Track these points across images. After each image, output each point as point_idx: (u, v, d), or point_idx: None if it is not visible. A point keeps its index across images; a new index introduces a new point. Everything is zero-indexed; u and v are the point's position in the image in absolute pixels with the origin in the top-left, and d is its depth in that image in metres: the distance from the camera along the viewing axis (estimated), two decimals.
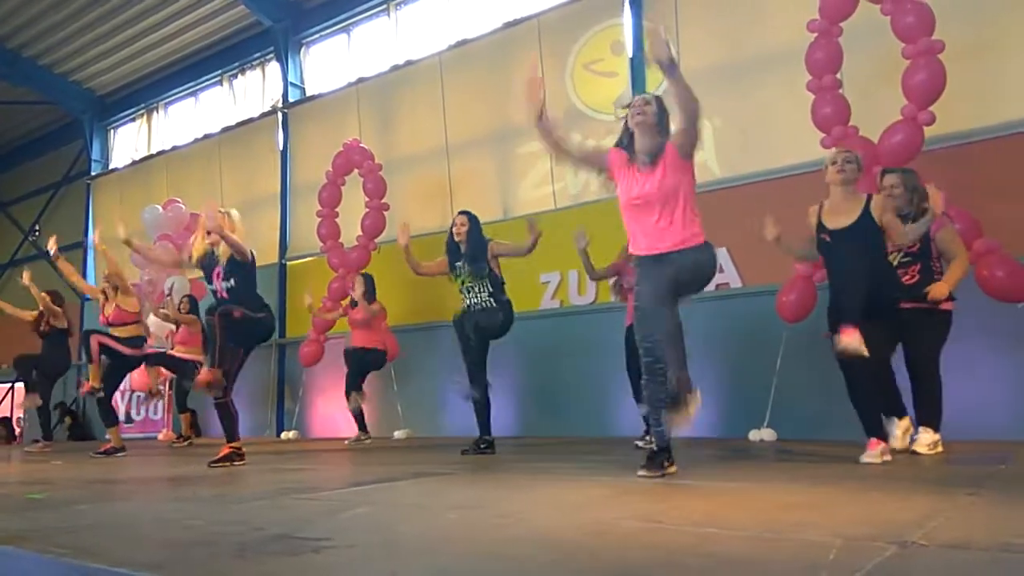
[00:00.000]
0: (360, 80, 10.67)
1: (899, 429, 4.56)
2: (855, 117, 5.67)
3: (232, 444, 4.86)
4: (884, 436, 4.00)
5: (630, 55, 8.15)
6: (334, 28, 11.40)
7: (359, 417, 7.56)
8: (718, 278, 7.23)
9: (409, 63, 10.18)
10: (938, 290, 4.26)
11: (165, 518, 2.61)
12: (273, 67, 12.06)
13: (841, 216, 4.03)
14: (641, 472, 3.32)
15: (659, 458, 3.36)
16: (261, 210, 11.46)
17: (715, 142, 7.56)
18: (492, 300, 5.47)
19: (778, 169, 7.05)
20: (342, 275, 8.57)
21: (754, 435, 5.88)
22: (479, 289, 5.47)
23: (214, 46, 12.59)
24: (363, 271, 8.01)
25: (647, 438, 5.41)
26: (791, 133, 7.05)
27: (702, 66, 7.66)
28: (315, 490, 3.28)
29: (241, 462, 4.81)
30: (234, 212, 5.10)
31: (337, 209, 8.90)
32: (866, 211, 3.96)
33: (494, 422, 5.55)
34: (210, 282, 4.99)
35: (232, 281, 4.88)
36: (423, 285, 8.99)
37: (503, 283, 5.61)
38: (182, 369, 8.53)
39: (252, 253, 5.00)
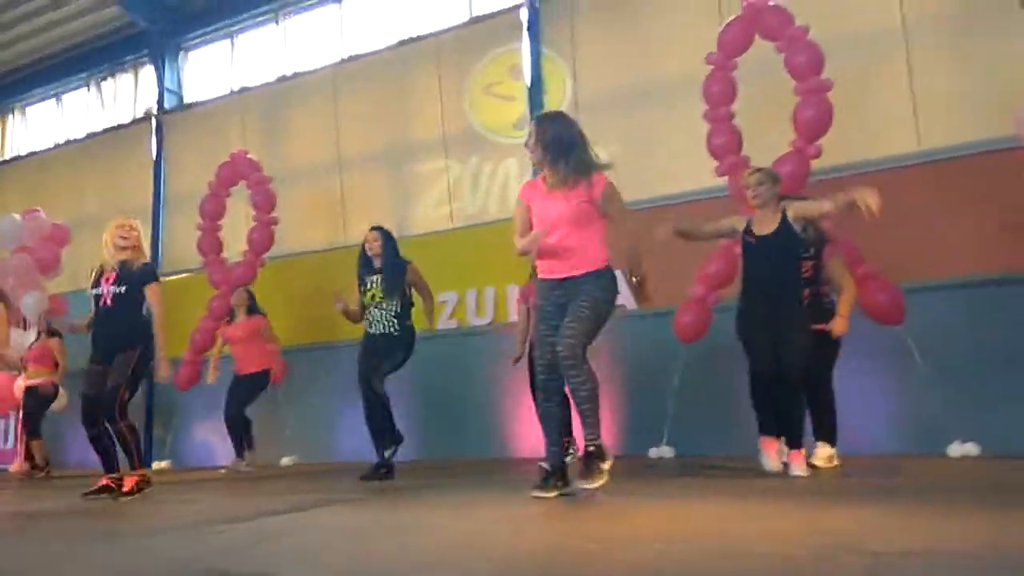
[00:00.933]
0: (244, 89, 10.24)
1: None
2: (747, 147, 5.95)
3: (139, 472, 4.51)
4: (777, 434, 4.20)
5: (528, 80, 8.24)
6: (216, 34, 10.89)
7: (239, 441, 7.12)
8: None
9: (299, 75, 9.87)
10: (839, 326, 4.53)
11: (95, 561, 2.30)
12: (147, 71, 11.35)
13: (765, 225, 4.23)
14: (535, 492, 3.31)
15: (553, 479, 3.38)
16: None
17: (615, 168, 7.71)
18: (396, 323, 5.30)
19: (676, 195, 7.28)
20: (224, 292, 8.11)
21: (654, 452, 6.00)
22: (387, 307, 5.29)
23: (81, 46, 11.70)
24: (242, 287, 7.61)
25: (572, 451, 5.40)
26: (687, 159, 7.33)
27: (598, 90, 7.89)
28: (231, 520, 3.03)
29: (149, 487, 4.50)
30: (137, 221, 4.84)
31: (220, 222, 8.44)
32: (784, 220, 4.15)
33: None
34: (97, 286, 4.60)
35: (124, 288, 4.51)
36: (310, 303, 8.70)
37: (411, 306, 5.46)
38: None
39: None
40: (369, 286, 5.36)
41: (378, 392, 5.17)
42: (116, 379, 4.40)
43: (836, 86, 5.53)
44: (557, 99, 8.08)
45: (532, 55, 8.23)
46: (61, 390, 8.49)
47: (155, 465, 8.69)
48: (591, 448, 3.29)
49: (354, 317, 5.51)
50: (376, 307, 5.31)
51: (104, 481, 4.51)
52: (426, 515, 3.02)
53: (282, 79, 10.01)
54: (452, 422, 8.03)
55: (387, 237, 5.46)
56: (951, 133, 6.21)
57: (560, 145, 3.45)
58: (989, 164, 5.95)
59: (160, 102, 10.80)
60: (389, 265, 5.31)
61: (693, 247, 6.02)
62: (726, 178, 6.03)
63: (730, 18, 6.10)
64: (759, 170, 4.37)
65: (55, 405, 8.46)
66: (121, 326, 4.53)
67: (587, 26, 8.03)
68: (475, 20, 8.78)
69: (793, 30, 5.59)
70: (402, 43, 9.18)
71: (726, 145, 5.83)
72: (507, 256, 7.90)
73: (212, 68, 10.96)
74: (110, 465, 4.56)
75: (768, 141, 5.91)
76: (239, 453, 7.09)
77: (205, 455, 9.03)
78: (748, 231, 4.29)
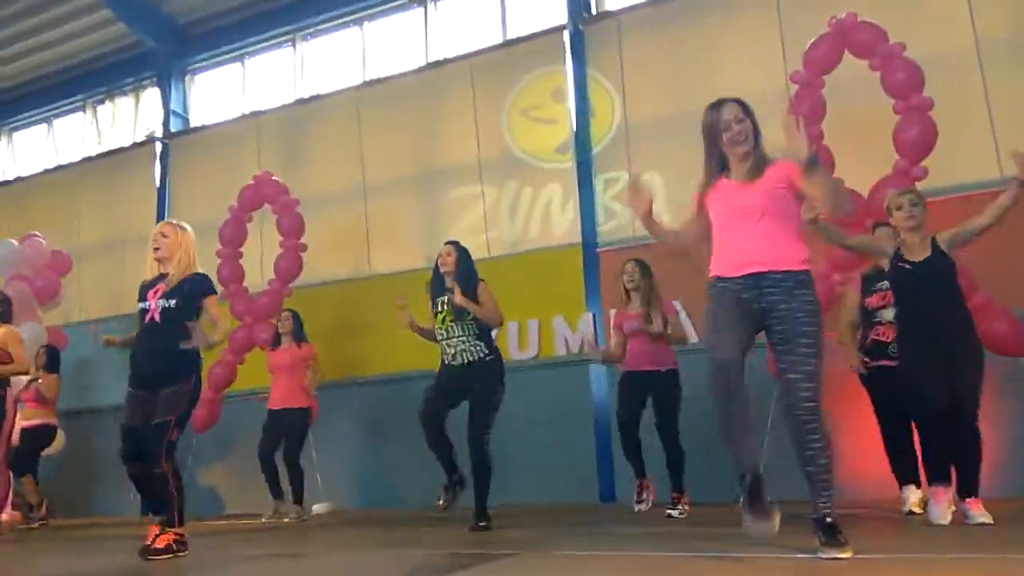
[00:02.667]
0: (259, 112, 9.74)
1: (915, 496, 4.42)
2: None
3: (177, 531, 3.79)
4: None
5: (572, 103, 7.89)
6: (226, 56, 10.41)
7: (275, 484, 6.49)
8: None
9: (319, 97, 9.42)
10: None
11: None
12: (149, 94, 10.81)
13: (916, 251, 3.87)
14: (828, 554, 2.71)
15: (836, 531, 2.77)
16: (130, 251, 10.06)
17: (666, 196, 7.37)
18: (483, 347, 4.74)
19: None
20: (249, 324, 7.51)
21: None
22: (462, 331, 4.71)
23: (76, 68, 11.11)
24: (287, 309, 7.02)
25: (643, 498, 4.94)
26: None
27: (649, 115, 7.57)
28: None
29: (184, 552, 3.78)
30: (187, 226, 4.20)
31: (241, 249, 7.88)
32: (936, 247, 3.81)
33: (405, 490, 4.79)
34: (143, 299, 4.01)
35: (174, 301, 3.91)
36: (334, 336, 8.16)
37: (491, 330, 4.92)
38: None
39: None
40: (440, 308, 4.81)
41: (485, 450, 4.62)
42: (164, 414, 3.77)
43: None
44: (606, 123, 7.74)
45: (577, 78, 7.90)
46: (59, 432, 7.77)
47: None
48: (831, 519, 2.77)
49: (428, 335, 4.93)
50: (448, 332, 4.74)
51: (167, 538, 3.84)
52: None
53: (300, 102, 9.55)
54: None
55: (462, 252, 4.91)
56: None
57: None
58: None
59: (165, 125, 10.24)
60: (462, 280, 4.75)
61: None
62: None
63: (812, 38, 5.82)
64: (911, 191, 4.03)
65: (51, 448, 7.73)
66: (170, 347, 3.86)
67: (635, 48, 7.72)
68: (511, 42, 8.44)
69: (888, 47, 5.32)
70: (431, 65, 8.80)
71: None
72: (551, 286, 7.66)
73: (221, 91, 10.46)
74: (174, 516, 3.92)
75: (855, 163, 5.61)
76: (277, 495, 6.46)
77: (213, 503, 8.31)
78: (899, 258, 3.92)
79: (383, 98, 8.98)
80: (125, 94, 11.04)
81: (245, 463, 7.99)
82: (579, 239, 7.60)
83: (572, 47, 7.97)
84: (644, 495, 5.06)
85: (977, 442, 3.73)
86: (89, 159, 10.85)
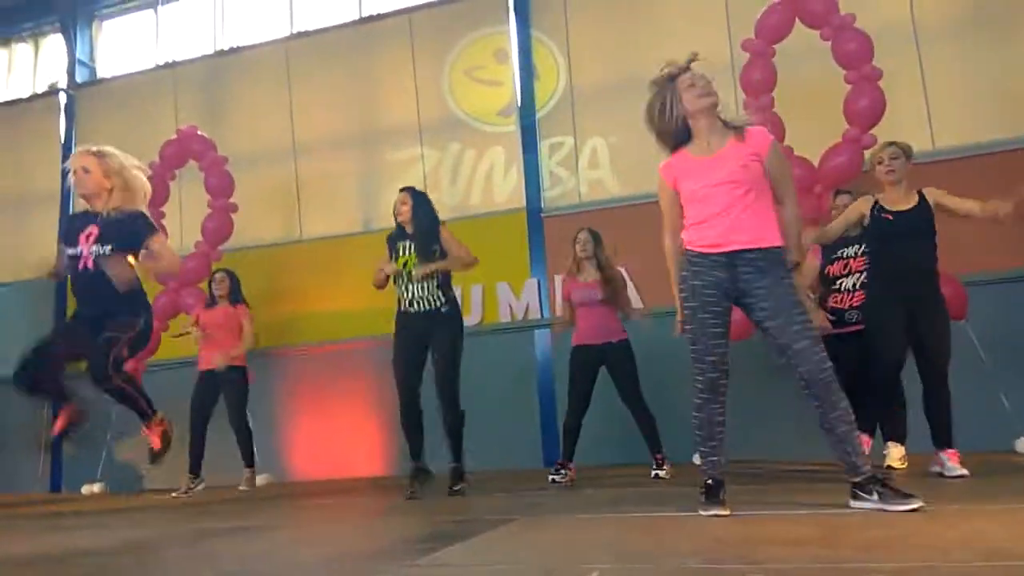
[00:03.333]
0: (175, 63, 9.13)
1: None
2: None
3: (158, 421, 3.86)
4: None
5: (516, 65, 7.72)
6: (138, 2, 9.70)
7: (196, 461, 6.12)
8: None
9: (243, 49, 8.91)
10: None
11: None
12: (51, 41, 9.97)
13: (900, 202, 3.93)
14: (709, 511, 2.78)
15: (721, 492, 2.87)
16: (32, 210, 9.36)
17: (611, 161, 7.35)
18: (442, 295, 4.54)
19: None
20: (174, 288, 7.07)
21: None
22: (423, 277, 4.47)
23: None
24: (222, 270, 6.59)
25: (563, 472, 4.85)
26: None
27: (595, 78, 7.50)
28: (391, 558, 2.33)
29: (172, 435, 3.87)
30: (109, 148, 3.81)
31: (163, 209, 7.38)
32: (923, 199, 3.90)
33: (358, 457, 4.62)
34: (74, 244, 3.65)
35: (109, 248, 3.58)
36: (274, 301, 7.82)
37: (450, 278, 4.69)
38: None
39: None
40: (401, 252, 4.53)
41: (457, 406, 4.43)
42: (112, 331, 3.54)
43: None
44: (550, 87, 7.62)
45: (521, 39, 7.72)
46: None
47: (85, 488, 7.46)
48: (872, 473, 2.75)
49: (379, 283, 4.61)
50: (409, 280, 4.49)
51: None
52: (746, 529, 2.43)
53: (222, 53, 9.01)
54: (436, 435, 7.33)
55: (418, 196, 4.61)
56: (965, 134, 6.26)
57: None
58: (1004, 163, 6.01)
59: (71, 75, 9.47)
60: (425, 221, 4.51)
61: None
62: None
63: (758, 7, 5.86)
64: (893, 143, 4.07)
65: None
66: (110, 295, 3.56)
67: (581, 12, 7.60)
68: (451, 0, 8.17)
69: (840, 17, 5.40)
70: (366, 19, 8.44)
71: None
72: (495, 252, 7.53)
73: (131, 40, 9.74)
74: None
75: (805, 131, 5.71)
76: (197, 469, 6.10)
77: (130, 479, 7.86)
78: (881, 209, 3.96)
79: (314, 52, 8.57)
80: (24, 40, 10.14)
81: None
82: (523, 204, 7.50)
83: (516, 7, 7.78)
84: (564, 472, 4.84)
85: (948, 394, 3.86)
86: None
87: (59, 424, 3.72)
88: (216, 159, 7.14)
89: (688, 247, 2.96)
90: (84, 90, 9.47)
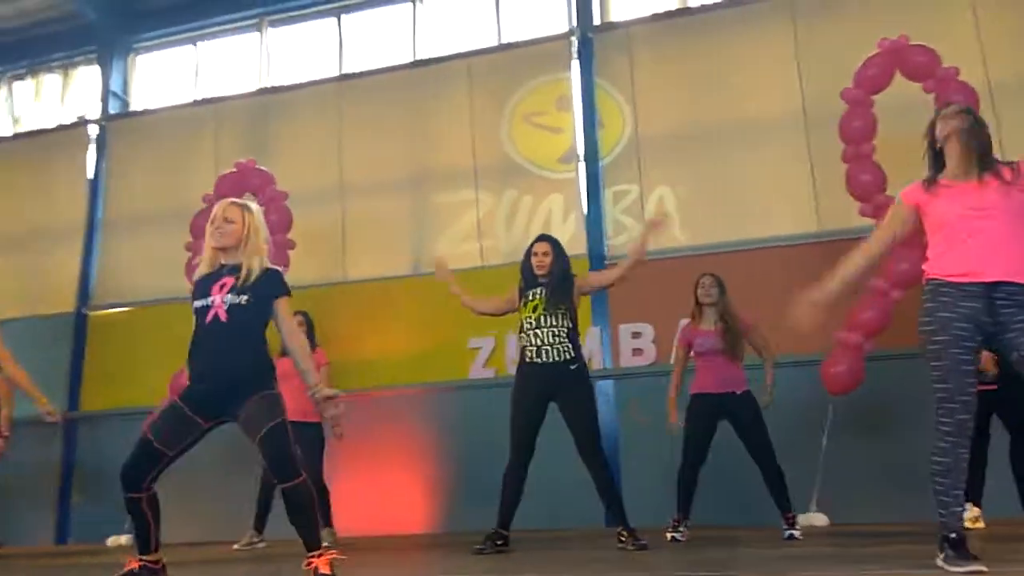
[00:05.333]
0: (218, 99, 8.90)
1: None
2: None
3: (326, 547, 3.10)
4: None
5: (580, 112, 7.61)
6: (178, 37, 9.51)
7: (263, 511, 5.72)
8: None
9: (292, 87, 8.71)
10: None
11: None
12: (83, 73, 9.70)
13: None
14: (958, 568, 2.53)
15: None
16: (55, 244, 8.94)
17: (679, 211, 7.20)
18: (572, 349, 4.34)
19: (745, 241, 6.86)
20: None
21: (801, 519, 5.31)
22: (556, 323, 4.31)
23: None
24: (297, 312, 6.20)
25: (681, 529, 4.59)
26: (757, 205, 6.96)
27: (660, 131, 7.41)
28: None
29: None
30: (254, 205, 3.49)
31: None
32: None
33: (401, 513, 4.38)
34: (205, 296, 3.24)
35: (246, 297, 3.17)
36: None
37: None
38: None
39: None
40: (531, 298, 4.43)
41: (606, 461, 4.34)
42: (270, 418, 3.08)
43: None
44: (614, 135, 7.51)
45: (584, 86, 7.64)
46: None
47: (111, 540, 6.85)
48: None
49: (476, 306, 4.75)
50: (537, 326, 4.34)
51: (133, 565, 3.10)
52: None
53: (268, 91, 8.81)
54: (489, 486, 6.92)
55: (558, 247, 4.57)
56: None
57: None
58: None
59: (104, 107, 9.18)
60: (559, 271, 4.43)
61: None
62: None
63: (827, 55, 5.83)
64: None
65: None
66: (243, 352, 3.17)
67: (646, 60, 7.55)
68: (513, 44, 8.10)
69: (943, 70, 5.37)
70: (422, 62, 8.32)
71: (871, 183, 5.44)
72: None
73: (168, 74, 9.52)
74: (144, 542, 3.15)
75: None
76: (261, 526, 5.69)
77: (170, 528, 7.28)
78: None
79: (366, 94, 8.41)
80: (52, 70, 9.86)
81: (193, 485, 7.14)
82: (583, 251, 7.28)
83: (580, 54, 7.72)
84: (681, 528, 4.64)
85: None
86: (4, 139, 9.58)
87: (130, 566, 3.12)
88: (276, 194, 6.87)
89: (936, 276, 2.75)
90: (116, 122, 9.18)
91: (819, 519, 5.08)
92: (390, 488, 7.09)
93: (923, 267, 2.87)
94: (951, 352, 2.63)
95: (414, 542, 5.87)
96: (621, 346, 6.98)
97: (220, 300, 3.15)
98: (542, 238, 4.64)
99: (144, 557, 3.15)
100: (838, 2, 7.12)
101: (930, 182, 2.85)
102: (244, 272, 3.18)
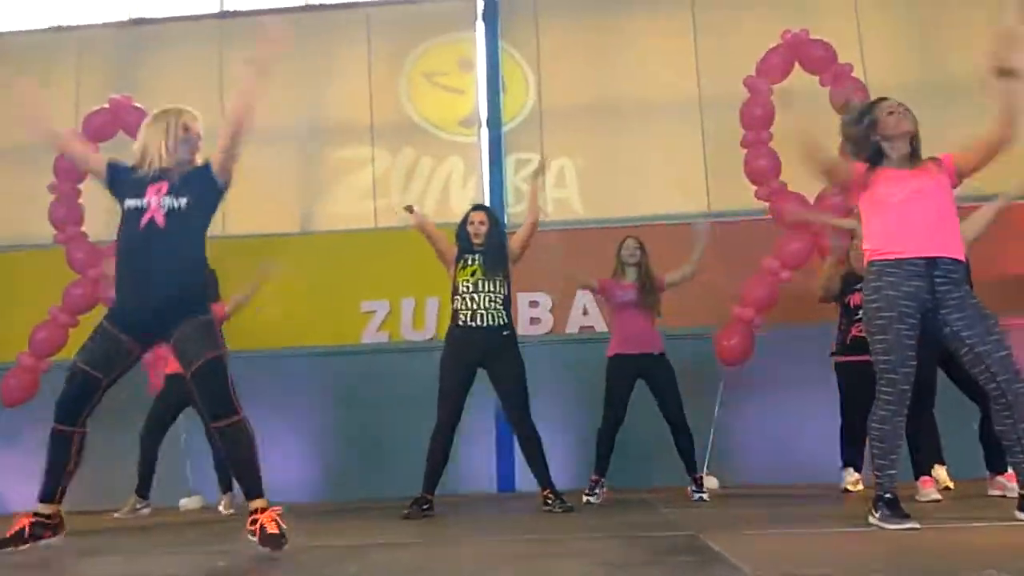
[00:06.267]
0: (79, 27, 8.03)
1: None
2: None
3: (263, 502, 2.86)
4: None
5: (483, 75, 7.51)
6: None
7: (146, 478, 5.34)
8: (582, 320, 6.97)
9: (164, 20, 8.00)
10: None
11: None
12: None
13: None
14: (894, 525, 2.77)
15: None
16: None
17: (579, 183, 7.30)
18: (506, 315, 4.42)
19: (635, 217, 7.04)
20: (93, 277, 6.10)
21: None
22: (492, 288, 4.37)
23: None
24: None
25: (597, 491, 4.77)
26: (652, 181, 7.19)
27: (564, 101, 7.45)
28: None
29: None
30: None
31: (80, 187, 6.38)
32: None
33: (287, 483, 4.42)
34: (137, 196, 2.95)
35: (184, 201, 2.94)
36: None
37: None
38: None
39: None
40: (469, 263, 4.42)
41: (533, 426, 4.33)
42: (208, 349, 2.86)
43: None
44: (518, 101, 7.48)
45: (489, 49, 7.53)
46: None
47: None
48: None
49: (434, 240, 4.61)
50: (475, 290, 4.36)
51: (23, 523, 2.85)
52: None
53: (139, 22, 8.04)
54: (378, 456, 6.81)
55: (494, 217, 4.66)
56: None
57: None
58: None
59: None
60: (495, 240, 4.48)
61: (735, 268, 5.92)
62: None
63: (723, 43, 6.12)
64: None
65: None
66: (182, 263, 2.94)
67: (552, 30, 7.54)
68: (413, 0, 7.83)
69: (839, 66, 5.74)
70: (315, 7, 7.88)
71: (767, 168, 5.75)
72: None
73: None
74: (51, 487, 2.92)
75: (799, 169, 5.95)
76: (145, 491, 5.31)
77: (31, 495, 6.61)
78: None
79: (250, 34, 7.82)
80: None
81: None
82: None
83: (485, 16, 7.59)
84: (598, 490, 4.81)
85: None
86: None
87: (20, 523, 2.84)
88: None
89: (880, 256, 2.94)
90: None
91: (711, 481, 5.38)
92: (282, 454, 6.80)
93: (864, 249, 3.08)
94: (895, 328, 2.84)
95: (317, 509, 5.68)
96: (519, 314, 7.01)
97: (157, 203, 2.91)
98: (478, 207, 4.72)
99: (40, 511, 2.89)
100: None
101: (872, 169, 3.04)
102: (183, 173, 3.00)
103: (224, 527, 4.15)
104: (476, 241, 4.45)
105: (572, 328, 6.95)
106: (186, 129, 3.09)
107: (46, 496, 2.89)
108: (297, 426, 6.91)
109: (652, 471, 5.76)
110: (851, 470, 4.89)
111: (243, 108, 3.01)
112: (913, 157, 3.04)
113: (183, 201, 2.92)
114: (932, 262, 2.87)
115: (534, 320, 6.97)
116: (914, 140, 3.04)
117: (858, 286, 4.74)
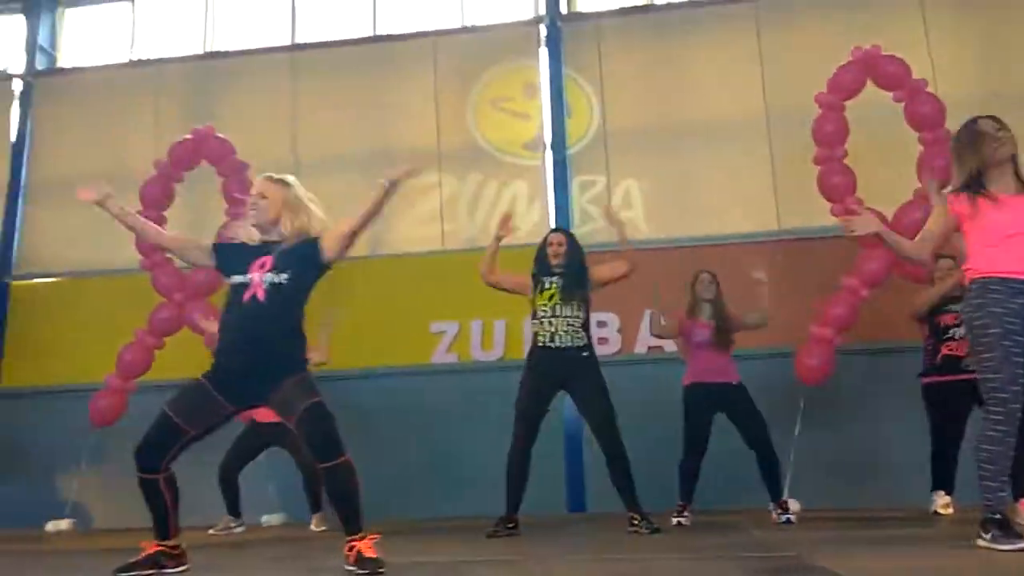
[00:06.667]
0: (159, 60, 8.40)
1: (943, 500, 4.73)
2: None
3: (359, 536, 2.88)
4: None
5: (547, 100, 7.61)
6: None
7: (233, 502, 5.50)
8: (650, 340, 6.95)
9: (239, 53, 8.31)
10: None
11: None
12: (7, 23, 8.93)
13: None
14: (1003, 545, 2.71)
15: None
16: None
17: (644, 205, 7.33)
18: (585, 337, 4.40)
19: (702, 237, 7.05)
20: (178, 302, 6.32)
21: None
22: (570, 313, 4.38)
23: None
24: None
25: (686, 514, 4.74)
26: (718, 202, 7.17)
27: (628, 123, 7.51)
28: None
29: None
30: (291, 178, 3.33)
31: (165, 214, 6.63)
32: None
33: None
34: (241, 272, 3.04)
35: (285, 277, 3.03)
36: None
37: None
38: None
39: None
40: (547, 286, 4.46)
41: (622, 446, 4.33)
42: (307, 397, 2.91)
43: None
44: (583, 124, 7.56)
45: (552, 74, 7.64)
46: None
47: (51, 525, 6.36)
48: None
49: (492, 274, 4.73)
50: (552, 314, 4.39)
51: (151, 549, 2.94)
52: None
53: (213, 55, 8.37)
54: (449, 475, 6.88)
55: (573, 239, 4.67)
56: None
57: None
58: None
59: (30, 61, 8.48)
60: (575, 262, 4.51)
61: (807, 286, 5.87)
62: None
63: (789, 61, 6.08)
64: None
65: None
66: (280, 335, 3.00)
67: (615, 53, 7.61)
68: (480, 28, 8.00)
69: (914, 82, 5.68)
70: (384, 37, 8.11)
71: (842, 185, 5.69)
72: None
73: (100, 31, 8.89)
74: (161, 527, 2.98)
75: (876, 187, 5.88)
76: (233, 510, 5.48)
77: (117, 514, 6.85)
78: None
79: (321, 66, 8.12)
80: None
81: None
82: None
83: (548, 42, 7.71)
84: (686, 514, 4.78)
85: None
86: None
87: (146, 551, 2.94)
88: (237, 164, 6.52)
89: (982, 274, 2.91)
90: (44, 79, 8.51)
91: (794, 504, 5.29)
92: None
93: (965, 269, 3.04)
94: (1002, 344, 2.80)
95: (393, 528, 5.75)
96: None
97: (259, 279, 2.99)
98: (557, 230, 4.81)
99: (162, 542, 2.97)
100: (799, 13, 7.39)
101: (977, 193, 3.00)
102: (282, 247, 3.06)
103: (319, 544, 4.25)
104: (555, 262, 4.49)
105: (641, 348, 6.94)
106: (260, 196, 3.15)
107: (160, 536, 2.95)
108: (369, 446, 7.00)
109: (731, 493, 5.68)
110: (942, 493, 4.75)
111: (368, 216, 3.15)
112: (1016, 176, 3.01)
113: (284, 277, 3.00)
114: None
115: (601, 340, 6.95)
116: (1015, 159, 3.01)
117: (948, 306, 4.70)
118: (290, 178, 3.29)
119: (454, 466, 6.83)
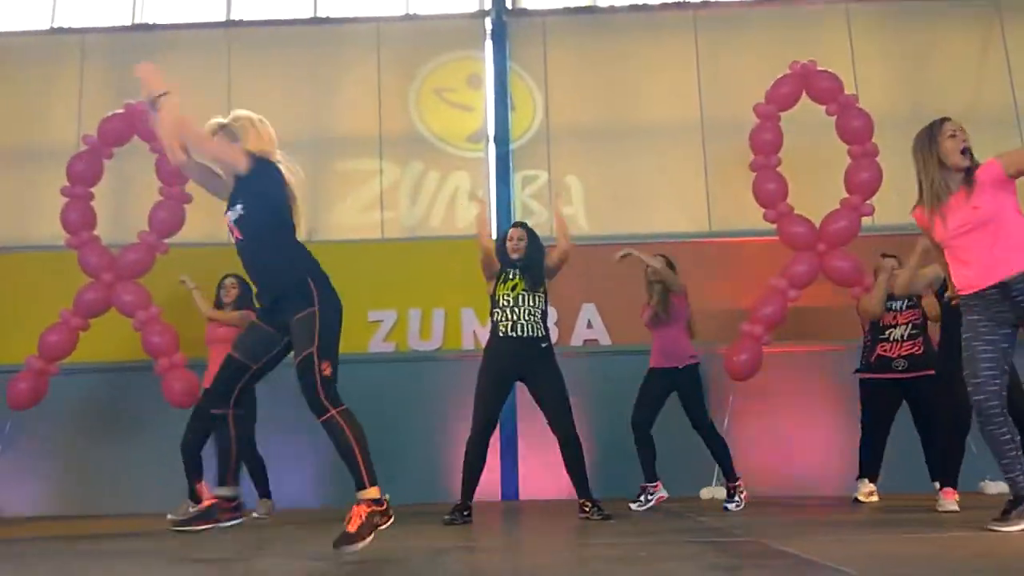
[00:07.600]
0: (84, 29, 7.99)
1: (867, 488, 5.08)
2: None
3: (371, 495, 2.83)
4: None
5: (492, 93, 7.67)
6: None
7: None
8: (585, 334, 7.12)
9: (169, 26, 8.00)
10: None
11: None
12: None
13: None
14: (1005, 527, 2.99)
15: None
16: None
17: (585, 201, 7.50)
18: (543, 328, 4.54)
19: (641, 235, 7.23)
20: (107, 282, 6.06)
21: (705, 493, 5.81)
22: (532, 303, 4.51)
23: None
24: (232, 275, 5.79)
25: (641, 499, 4.94)
26: (656, 201, 7.41)
27: (571, 120, 7.66)
28: None
29: (387, 522, 2.85)
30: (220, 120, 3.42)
31: (93, 190, 6.33)
32: None
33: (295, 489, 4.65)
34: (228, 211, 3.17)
35: (240, 208, 3.08)
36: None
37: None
38: None
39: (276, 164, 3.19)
40: (511, 277, 4.55)
41: (577, 438, 4.47)
42: (302, 345, 2.91)
43: None
44: (526, 119, 7.65)
45: (497, 68, 7.70)
46: None
47: None
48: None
49: (487, 248, 4.73)
50: (515, 304, 4.49)
51: (210, 500, 3.08)
52: None
53: (143, 27, 8.03)
54: (382, 463, 6.80)
55: (532, 233, 4.75)
56: None
57: None
58: None
59: None
60: (535, 255, 4.62)
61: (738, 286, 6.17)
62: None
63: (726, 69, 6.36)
64: None
65: None
66: (268, 262, 3.05)
67: (559, 50, 7.75)
68: (423, 16, 7.97)
69: (844, 97, 6.03)
70: (325, 19, 7.97)
71: (775, 192, 6.00)
72: (456, 277, 7.30)
73: None
74: (224, 469, 3.17)
75: (804, 195, 6.22)
76: (264, 494, 5.55)
77: (31, 501, 6.51)
78: None
79: (259, 44, 7.91)
80: None
81: (74, 453, 6.51)
82: (491, 233, 7.38)
83: (493, 35, 7.76)
84: (648, 496, 4.98)
85: None
86: None
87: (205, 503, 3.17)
88: None
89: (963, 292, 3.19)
90: None
91: (722, 492, 5.58)
92: (291, 461, 6.82)
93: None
94: (973, 345, 3.10)
95: (333, 515, 5.71)
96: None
97: (231, 221, 3.10)
98: (517, 224, 4.86)
99: (220, 494, 3.14)
100: (734, 24, 7.70)
101: (933, 203, 3.18)
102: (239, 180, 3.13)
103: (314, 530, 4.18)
104: (515, 256, 4.59)
105: (577, 341, 7.11)
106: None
107: (221, 480, 3.13)
108: (301, 434, 6.91)
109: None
110: (866, 481, 5.09)
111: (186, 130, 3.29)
112: (967, 178, 3.13)
113: (239, 208, 3.08)
114: (1003, 286, 3.06)
115: None
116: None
117: (888, 306, 4.98)
118: (220, 120, 3.43)
119: (387, 455, 6.75)
